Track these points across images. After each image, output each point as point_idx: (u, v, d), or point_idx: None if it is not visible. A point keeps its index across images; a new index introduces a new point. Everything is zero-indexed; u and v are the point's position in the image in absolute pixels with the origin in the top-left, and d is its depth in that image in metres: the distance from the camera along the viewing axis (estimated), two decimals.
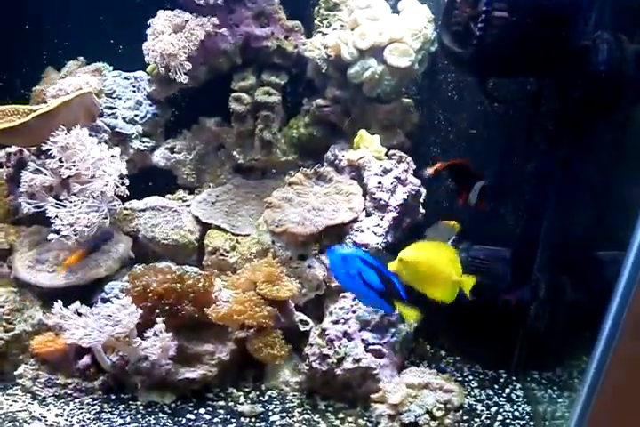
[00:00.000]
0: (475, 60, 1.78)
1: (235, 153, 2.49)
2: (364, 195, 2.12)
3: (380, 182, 2.09)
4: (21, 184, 2.09)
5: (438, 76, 2.27)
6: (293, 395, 2.06)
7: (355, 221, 2.06)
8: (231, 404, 2.00)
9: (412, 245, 1.72)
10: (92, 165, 2.05)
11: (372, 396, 1.86)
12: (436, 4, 2.24)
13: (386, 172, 2.12)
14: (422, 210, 2.19)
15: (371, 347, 1.95)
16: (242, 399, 2.03)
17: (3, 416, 1.93)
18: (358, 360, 1.92)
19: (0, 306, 2.09)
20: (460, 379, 2.15)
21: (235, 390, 2.06)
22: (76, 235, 2.02)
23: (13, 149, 2.33)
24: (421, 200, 2.18)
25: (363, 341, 1.96)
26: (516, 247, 2.03)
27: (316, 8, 2.42)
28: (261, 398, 2.04)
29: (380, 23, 2.17)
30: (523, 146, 2.09)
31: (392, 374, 1.93)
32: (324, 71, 2.31)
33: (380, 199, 2.08)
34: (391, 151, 2.19)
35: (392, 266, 1.70)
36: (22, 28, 2.50)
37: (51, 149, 2.07)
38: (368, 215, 2.10)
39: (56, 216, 2.03)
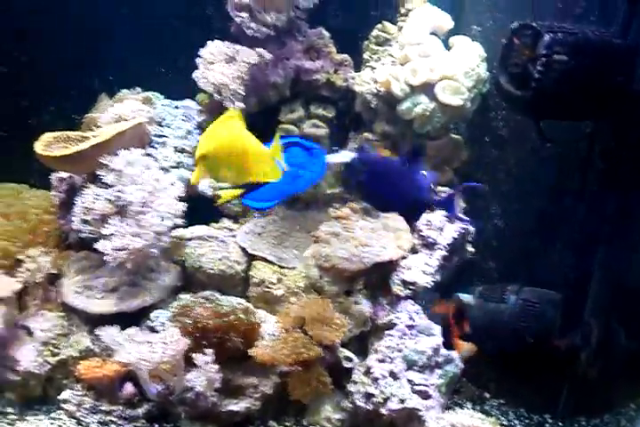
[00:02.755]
0: (533, 102, 1.80)
1: None
2: (412, 232, 2.13)
3: (428, 220, 2.10)
4: (75, 210, 2.13)
5: (488, 113, 2.29)
6: None
7: (402, 258, 2.06)
8: None
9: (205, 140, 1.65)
10: (148, 193, 2.09)
11: None
12: (487, 42, 2.27)
13: (434, 209, 2.13)
14: (471, 249, 2.19)
15: (417, 388, 1.94)
16: None
17: None
18: (404, 401, 1.91)
19: (47, 331, 2.13)
20: (505, 422, 2.13)
21: (276, 424, 2.06)
22: (127, 261, 2.06)
23: (65, 174, 2.39)
24: (470, 239, 2.18)
25: (409, 381, 1.95)
26: (567, 290, 2.01)
27: (366, 42, 2.46)
28: None
29: (431, 60, 2.19)
30: (575, 186, 2.08)
31: (438, 415, 1.92)
32: (372, 106, 2.34)
33: (429, 237, 2.09)
34: (440, 188, 2.20)
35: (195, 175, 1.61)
36: (75, 55, 2.58)
37: (106, 176, 2.11)
38: (416, 253, 2.11)
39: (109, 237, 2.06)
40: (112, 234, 2.05)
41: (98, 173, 2.13)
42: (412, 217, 2.03)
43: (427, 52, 2.22)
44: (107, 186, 2.12)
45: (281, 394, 2.05)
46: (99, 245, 2.06)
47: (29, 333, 2.14)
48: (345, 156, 1.98)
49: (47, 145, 2.14)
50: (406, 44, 2.25)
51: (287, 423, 2.07)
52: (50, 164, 2.17)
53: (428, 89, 2.20)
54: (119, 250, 2.04)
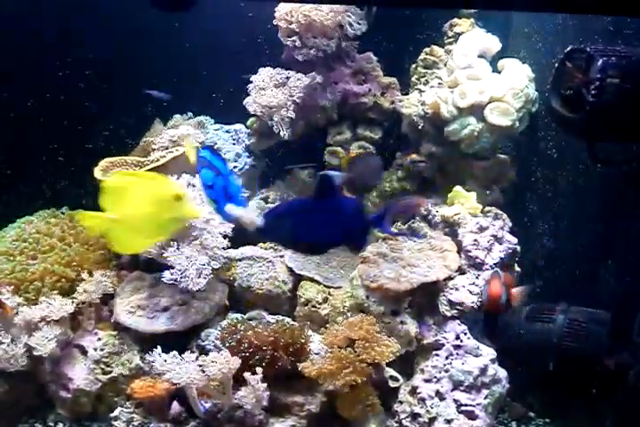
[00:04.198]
0: (586, 125, 1.84)
1: None
2: (459, 252, 2.17)
3: (475, 240, 2.14)
4: None
5: (536, 133, 2.33)
6: None
7: (449, 278, 2.10)
8: None
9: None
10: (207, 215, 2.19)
11: None
12: (536, 63, 2.32)
13: (482, 229, 2.17)
14: (518, 269, 2.21)
15: (463, 408, 1.96)
16: None
17: None
18: (450, 421, 1.93)
19: (100, 349, 2.23)
20: None
21: None
22: (187, 283, 2.15)
23: None
24: (517, 259, 2.21)
25: (455, 401, 1.97)
26: (615, 310, 2.01)
27: (414, 65, 2.54)
28: None
29: (480, 82, 2.25)
30: (624, 206, 2.09)
31: None
32: (419, 127, 2.41)
33: (476, 257, 2.13)
34: (487, 208, 2.24)
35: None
36: (130, 81, 2.72)
37: None
38: (463, 273, 2.14)
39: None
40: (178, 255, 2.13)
41: None
42: (355, 247, 1.75)
43: (476, 74, 2.28)
44: None
45: (326, 412, 2.08)
46: (166, 274, 2.13)
47: (83, 351, 2.23)
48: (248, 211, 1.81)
49: (105, 170, 2.27)
50: (455, 68, 2.32)
51: None
52: None
53: (476, 110, 2.26)
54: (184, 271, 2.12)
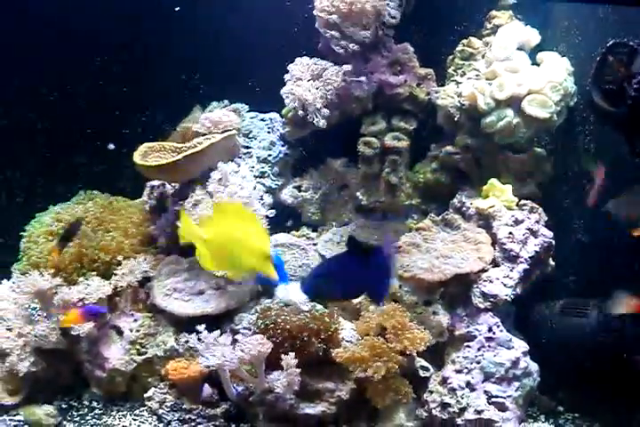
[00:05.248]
0: (628, 119, 1.81)
1: (359, 194, 2.58)
2: (493, 244, 2.15)
3: (510, 233, 2.12)
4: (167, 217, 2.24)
5: (575, 127, 2.29)
6: None
7: (483, 270, 2.08)
8: None
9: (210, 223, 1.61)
10: (245, 200, 2.19)
11: None
12: (576, 56, 2.28)
13: (517, 222, 2.15)
14: (552, 263, 2.19)
15: (494, 399, 1.95)
16: None
17: None
18: (480, 412, 1.92)
19: (135, 330, 2.25)
20: None
21: None
22: None
23: (156, 182, 2.53)
24: (552, 253, 2.18)
25: (486, 392, 1.96)
26: None
27: (451, 57, 2.51)
28: None
29: (519, 75, 2.22)
30: None
31: None
32: (455, 119, 2.38)
33: (511, 250, 2.10)
34: (522, 201, 2.22)
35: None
36: (168, 68, 2.73)
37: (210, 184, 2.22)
38: (497, 266, 2.12)
39: None
40: None
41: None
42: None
43: (514, 67, 2.25)
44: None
45: (354, 399, 2.08)
46: None
47: (119, 332, 2.26)
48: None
49: (143, 155, 2.28)
50: (494, 60, 2.29)
51: None
52: (146, 173, 2.30)
53: (513, 103, 2.22)
54: None
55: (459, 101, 2.35)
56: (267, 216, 2.27)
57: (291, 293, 2.14)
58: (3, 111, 2.75)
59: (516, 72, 2.24)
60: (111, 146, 2.60)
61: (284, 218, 2.60)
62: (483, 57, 2.41)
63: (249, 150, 2.61)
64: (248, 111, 2.70)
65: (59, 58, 2.65)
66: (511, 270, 2.09)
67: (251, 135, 2.65)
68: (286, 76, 2.51)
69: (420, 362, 2.10)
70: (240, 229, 1.59)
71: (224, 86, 2.71)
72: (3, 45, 2.59)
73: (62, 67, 2.68)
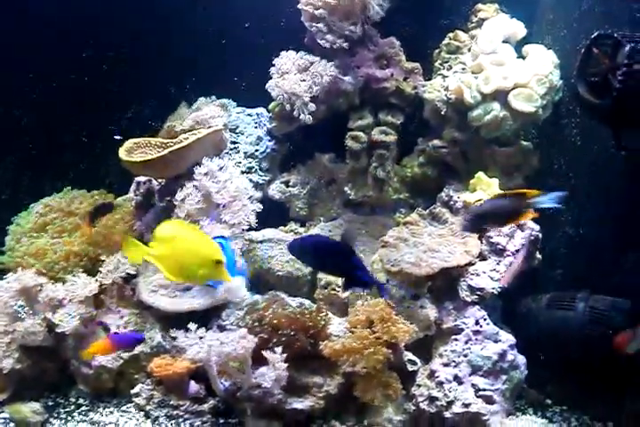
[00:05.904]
0: (613, 111, 1.79)
1: (346, 189, 2.56)
2: (480, 238, 2.13)
3: None
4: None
5: (561, 120, 2.27)
6: None
7: (470, 264, 2.07)
8: None
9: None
10: (233, 194, 2.17)
11: None
12: (561, 49, 2.26)
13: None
14: (539, 256, 2.17)
15: (481, 393, 1.93)
16: None
17: None
18: (468, 405, 1.91)
19: (122, 327, 2.22)
20: None
21: (338, 424, 2.06)
22: None
23: (143, 178, 2.50)
24: (539, 246, 2.16)
25: (473, 386, 1.95)
26: (635, 298, 1.97)
27: (437, 51, 2.48)
28: None
29: (505, 68, 2.20)
30: None
31: (501, 420, 1.91)
32: (442, 113, 2.36)
33: (498, 243, 2.09)
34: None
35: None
36: (153, 65, 2.69)
37: (184, 178, 2.20)
38: (484, 259, 2.10)
39: None
40: None
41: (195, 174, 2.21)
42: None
43: (500, 60, 2.23)
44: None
45: (342, 394, 2.06)
46: None
47: (105, 329, 2.23)
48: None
49: (129, 151, 2.25)
50: (480, 53, 2.27)
51: (349, 423, 2.07)
52: (132, 169, 2.27)
53: (500, 96, 2.21)
54: None
55: (445, 95, 2.33)
56: (255, 211, 2.24)
57: (234, 288, 2.11)
58: None
59: (501, 65, 2.22)
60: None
61: (271, 213, 2.57)
62: (469, 50, 2.39)
63: (236, 145, 2.59)
64: (235, 107, 2.66)
65: (45, 55, 2.61)
66: (497, 264, 2.07)
67: (238, 130, 2.62)
68: (272, 70, 2.48)
69: (408, 356, 2.08)
70: (185, 240, 1.60)
71: (210, 83, 2.68)
72: None
73: (49, 63, 2.64)
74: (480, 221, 1.77)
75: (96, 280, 2.20)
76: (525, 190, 1.73)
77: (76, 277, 2.19)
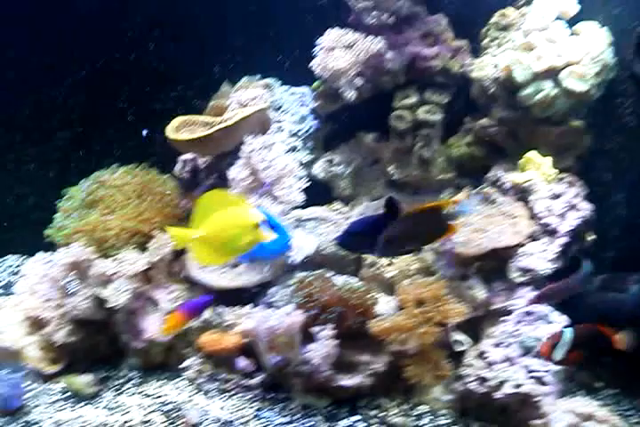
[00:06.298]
0: None
1: (390, 169, 2.54)
2: (531, 218, 2.10)
3: (549, 206, 2.07)
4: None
5: (614, 100, 2.22)
6: (445, 413, 2.04)
7: (520, 245, 2.04)
8: (382, 414, 2.03)
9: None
10: (281, 172, 2.17)
11: (534, 422, 1.84)
12: (615, 27, 2.20)
13: (556, 196, 2.10)
14: (593, 236, 2.14)
15: (533, 374, 1.92)
16: (392, 411, 2.05)
17: (171, 405, 2.07)
18: (519, 386, 1.90)
19: (171, 302, 2.24)
20: (619, 412, 2.07)
21: (385, 401, 2.07)
22: None
23: (189, 156, 2.51)
24: (591, 227, 2.13)
25: (524, 367, 1.93)
26: None
27: (485, 28, 2.43)
28: (412, 412, 2.04)
29: (557, 46, 2.15)
30: None
31: (552, 402, 1.90)
32: (490, 92, 2.32)
33: (549, 224, 2.06)
34: (561, 175, 2.16)
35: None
36: (197, 44, 2.68)
37: (230, 156, 2.20)
38: (534, 240, 2.08)
39: None
40: None
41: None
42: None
43: (552, 37, 2.18)
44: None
45: (390, 372, 2.06)
46: None
47: (155, 303, 2.26)
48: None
49: (176, 129, 2.25)
50: (531, 30, 2.21)
51: (396, 401, 2.08)
52: (179, 146, 2.28)
53: (551, 75, 2.15)
54: None
55: (494, 74, 2.28)
56: (301, 189, 2.24)
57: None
58: (35, 86, 2.71)
59: (553, 43, 2.17)
60: (144, 132, 2.57)
61: (315, 193, 2.56)
62: (519, 28, 2.33)
63: (280, 125, 2.57)
64: (280, 86, 2.64)
65: (92, 32, 2.62)
66: (549, 245, 2.04)
67: (282, 109, 2.61)
68: (316, 49, 2.45)
69: (455, 336, 2.07)
70: (223, 212, 1.58)
71: (254, 61, 2.66)
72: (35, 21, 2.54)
73: (95, 41, 2.64)
74: (396, 245, 1.61)
75: (146, 256, 2.21)
76: (439, 202, 1.64)
77: (126, 253, 2.20)
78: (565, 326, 1.78)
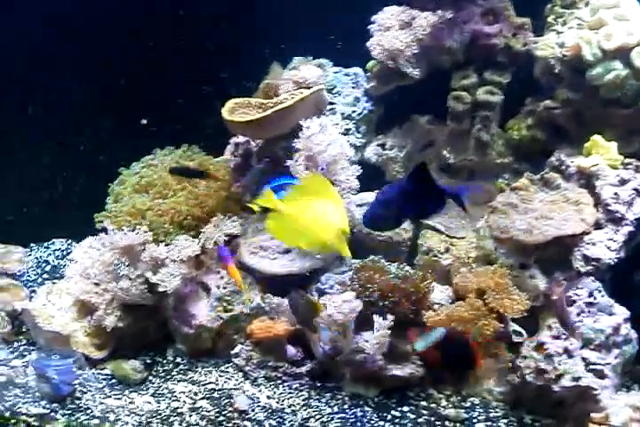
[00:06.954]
0: None
1: (445, 152, 2.53)
2: (596, 205, 2.07)
3: (616, 193, 2.04)
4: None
5: None
6: (497, 405, 2.04)
7: (585, 233, 2.02)
8: (433, 405, 2.04)
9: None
10: (335, 156, 2.19)
11: (594, 415, 1.83)
12: None
13: (623, 182, 2.06)
14: None
15: (592, 367, 1.91)
16: (443, 402, 2.06)
17: (220, 392, 2.12)
18: (578, 379, 1.89)
19: (222, 287, 2.29)
20: None
21: (435, 392, 2.08)
22: None
23: (241, 139, 2.54)
24: None
25: (584, 359, 1.92)
26: None
27: (550, 5, 2.40)
28: (463, 403, 2.05)
29: (629, 24, 2.11)
30: None
31: (611, 395, 1.88)
32: (555, 71, 2.28)
33: (616, 211, 2.03)
34: (628, 160, 2.12)
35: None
36: (246, 25, 2.71)
37: (284, 139, 2.23)
38: (599, 228, 2.05)
39: None
40: None
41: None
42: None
43: (623, 15, 2.14)
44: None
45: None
46: None
47: (205, 289, 2.31)
48: None
49: (231, 111, 2.29)
50: (600, 7, 2.18)
51: (446, 392, 2.09)
52: (234, 129, 2.32)
53: (622, 54, 2.12)
54: None
55: (560, 52, 2.25)
56: (354, 174, 2.25)
57: None
58: (82, 69, 2.78)
59: (625, 20, 2.13)
60: (143, 121, 2.60)
61: (367, 176, 2.57)
62: (586, 5, 2.29)
63: (333, 106, 2.59)
64: (332, 66, 2.65)
65: (142, 14, 2.67)
66: (615, 233, 2.02)
67: (335, 91, 2.62)
68: (372, 27, 2.45)
69: (513, 327, 2.06)
70: (319, 203, 1.62)
71: (305, 41, 2.66)
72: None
73: (145, 23, 2.70)
74: None
75: (198, 241, 2.25)
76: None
77: (178, 238, 2.24)
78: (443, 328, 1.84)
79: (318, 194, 1.64)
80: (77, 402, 2.07)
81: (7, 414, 1.96)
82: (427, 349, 1.81)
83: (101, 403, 2.07)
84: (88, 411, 2.03)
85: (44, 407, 2.01)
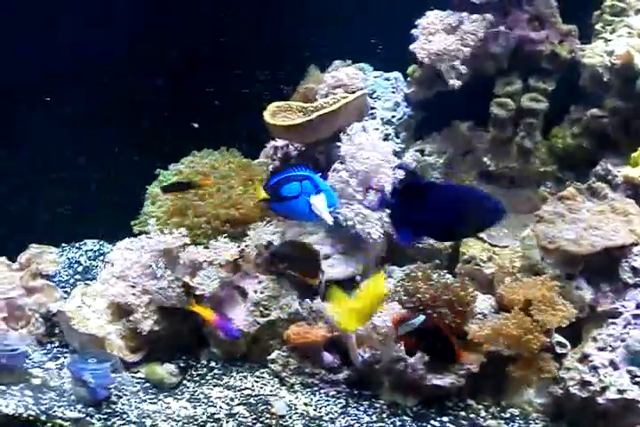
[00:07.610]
0: None
1: (486, 159, 2.57)
2: None
3: None
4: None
5: None
6: (537, 416, 2.07)
7: (634, 244, 2.05)
8: (472, 416, 2.07)
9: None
10: (378, 162, 2.25)
11: None
12: None
13: None
14: None
15: (638, 379, 1.94)
16: (482, 413, 2.10)
17: (256, 398, 2.16)
18: (623, 391, 1.92)
19: (260, 292, 2.33)
20: None
21: (474, 403, 2.12)
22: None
23: (280, 143, 2.60)
24: None
25: (629, 372, 1.95)
26: None
27: (598, 12, 2.43)
28: (502, 414, 2.08)
29: None
30: None
31: None
32: (604, 80, 2.32)
33: None
34: None
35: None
36: (284, 28, 2.76)
37: (324, 144, 2.28)
38: None
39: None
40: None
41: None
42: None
43: None
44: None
45: (485, 373, 2.10)
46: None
47: (242, 293, 2.35)
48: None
49: (272, 115, 2.34)
50: None
51: (485, 403, 2.12)
52: (276, 132, 2.37)
53: None
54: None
55: (609, 60, 2.28)
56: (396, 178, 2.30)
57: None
58: (120, 70, 2.85)
59: None
60: (195, 125, 2.66)
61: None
62: (636, 13, 2.33)
63: (373, 111, 2.63)
64: (372, 71, 2.70)
65: (181, 15, 2.73)
66: None
67: (374, 96, 2.66)
68: (415, 31, 2.49)
69: (557, 338, 2.10)
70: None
71: (345, 44, 2.71)
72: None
73: (185, 24, 2.76)
74: None
75: (236, 245, 2.30)
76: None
77: (216, 241, 2.30)
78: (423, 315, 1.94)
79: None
80: (113, 406, 2.10)
81: (43, 417, 2.00)
82: (405, 334, 1.92)
83: (137, 407, 2.11)
84: (124, 416, 2.06)
85: (79, 411, 2.05)
